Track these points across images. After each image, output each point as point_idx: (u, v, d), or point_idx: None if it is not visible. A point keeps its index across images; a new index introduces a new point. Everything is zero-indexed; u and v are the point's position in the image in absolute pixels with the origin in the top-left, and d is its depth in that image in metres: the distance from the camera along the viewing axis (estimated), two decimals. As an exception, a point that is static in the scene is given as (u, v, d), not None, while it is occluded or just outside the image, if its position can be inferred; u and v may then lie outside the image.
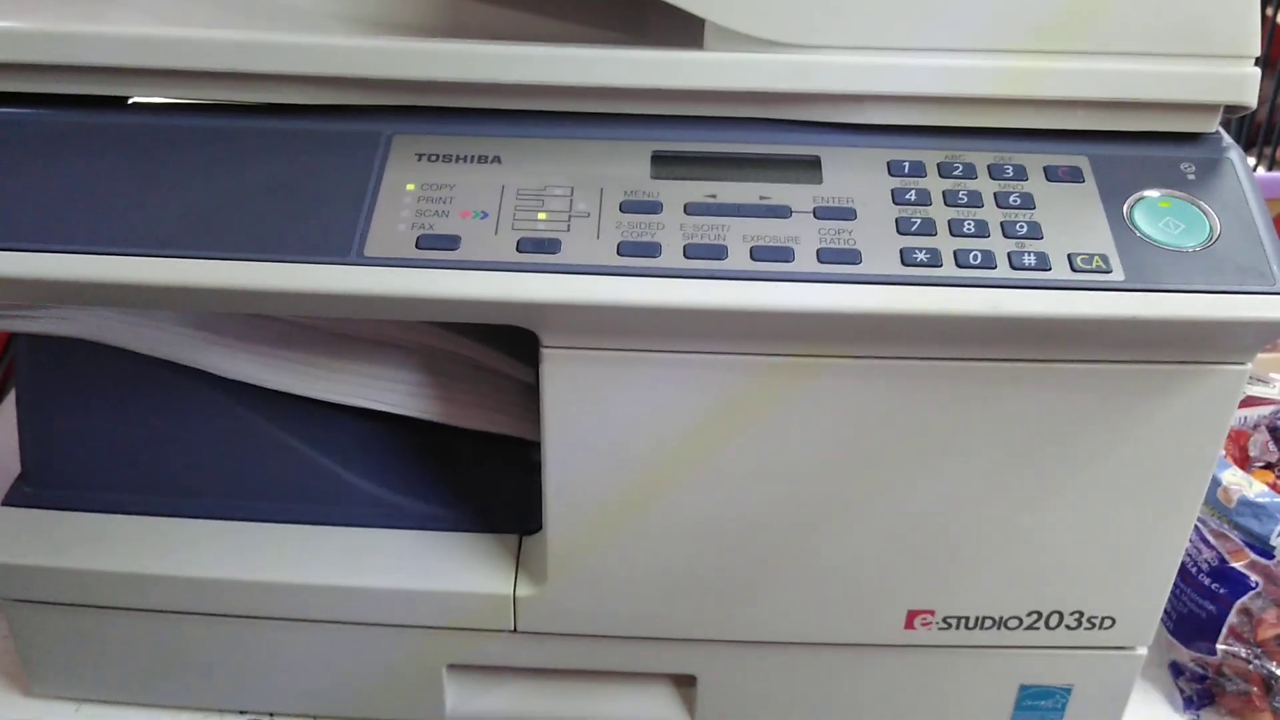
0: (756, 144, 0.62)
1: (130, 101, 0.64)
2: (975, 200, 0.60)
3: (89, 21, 0.62)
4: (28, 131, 0.62)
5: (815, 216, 0.60)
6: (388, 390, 0.74)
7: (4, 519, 0.75)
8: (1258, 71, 0.60)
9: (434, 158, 0.62)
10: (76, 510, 0.75)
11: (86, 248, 0.59)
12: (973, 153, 0.62)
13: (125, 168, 0.61)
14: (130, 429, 0.74)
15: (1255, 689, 0.80)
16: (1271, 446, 0.87)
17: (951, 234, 0.59)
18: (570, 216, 0.60)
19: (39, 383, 0.74)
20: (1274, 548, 0.78)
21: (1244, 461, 0.87)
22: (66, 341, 0.70)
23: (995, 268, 0.58)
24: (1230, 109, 0.62)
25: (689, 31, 0.60)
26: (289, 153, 0.61)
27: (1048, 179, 0.61)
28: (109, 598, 0.74)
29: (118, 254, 0.59)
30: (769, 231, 0.59)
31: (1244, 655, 0.80)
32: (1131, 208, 0.60)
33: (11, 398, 0.76)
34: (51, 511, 0.75)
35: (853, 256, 0.58)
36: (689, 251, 0.58)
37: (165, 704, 0.80)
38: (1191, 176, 0.61)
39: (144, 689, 0.80)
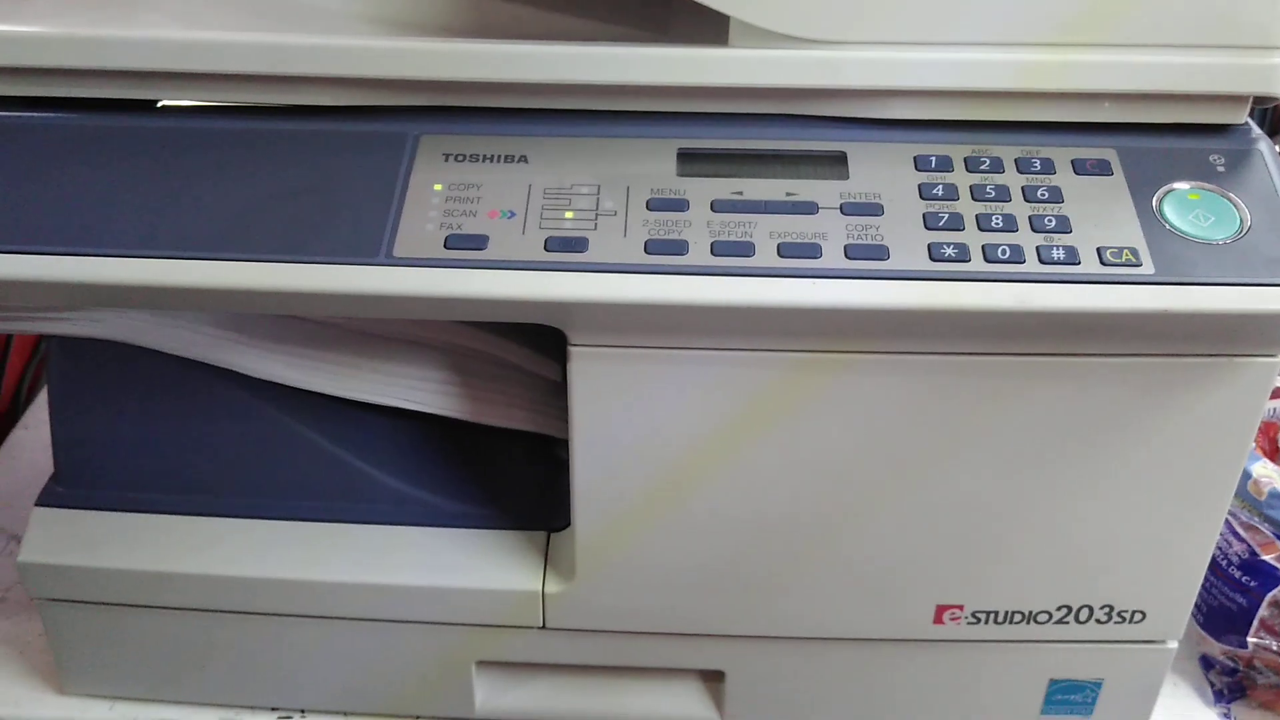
0: (782, 140, 0.62)
1: (159, 105, 0.65)
2: (1003, 195, 0.60)
3: (118, 26, 0.63)
4: (58, 136, 0.63)
5: (842, 212, 0.60)
6: (415, 389, 0.74)
7: (38, 519, 0.75)
8: (1287, 62, 0.60)
9: (461, 158, 0.62)
10: (109, 510, 0.76)
11: (117, 250, 0.59)
12: (1000, 147, 0.62)
13: (154, 171, 0.62)
14: (161, 429, 0.74)
15: (1287, 682, 0.80)
16: (1301, 438, 0.87)
17: (979, 229, 0.59)
18: (597, 215, 0.60)
19: (71, 384, 0.74)
20: (1305, 540, 0.78)
21: (1274, 454, 0.87)
22: (98, 343, 0.70)
23: (1024, 262, 0.58)
24: (1259, 99, 0.62)
25: (714, 28, 0.60)
26: (317, 154, 0.61)
27: (1076, 172, 0.61)
28: (141, 596, 0.75)
29: (148, 256, 0.59)
30: (796, 228, 0.59)
31: (1275, 648, 0.79)
32: (1161, 200, 0.60)
33: (44, 399, 0.77)
34: (84, 511, 0.76)
35: (880, 252, 0.58)
36: (716, 249, 0.58)
37: (197, 701, 0.81)
38: (1221, 168, 0.61)
39: (176, 686, 0.80)
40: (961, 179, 0.61)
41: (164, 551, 0.74)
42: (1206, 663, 0.84)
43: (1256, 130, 0.63)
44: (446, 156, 0.62)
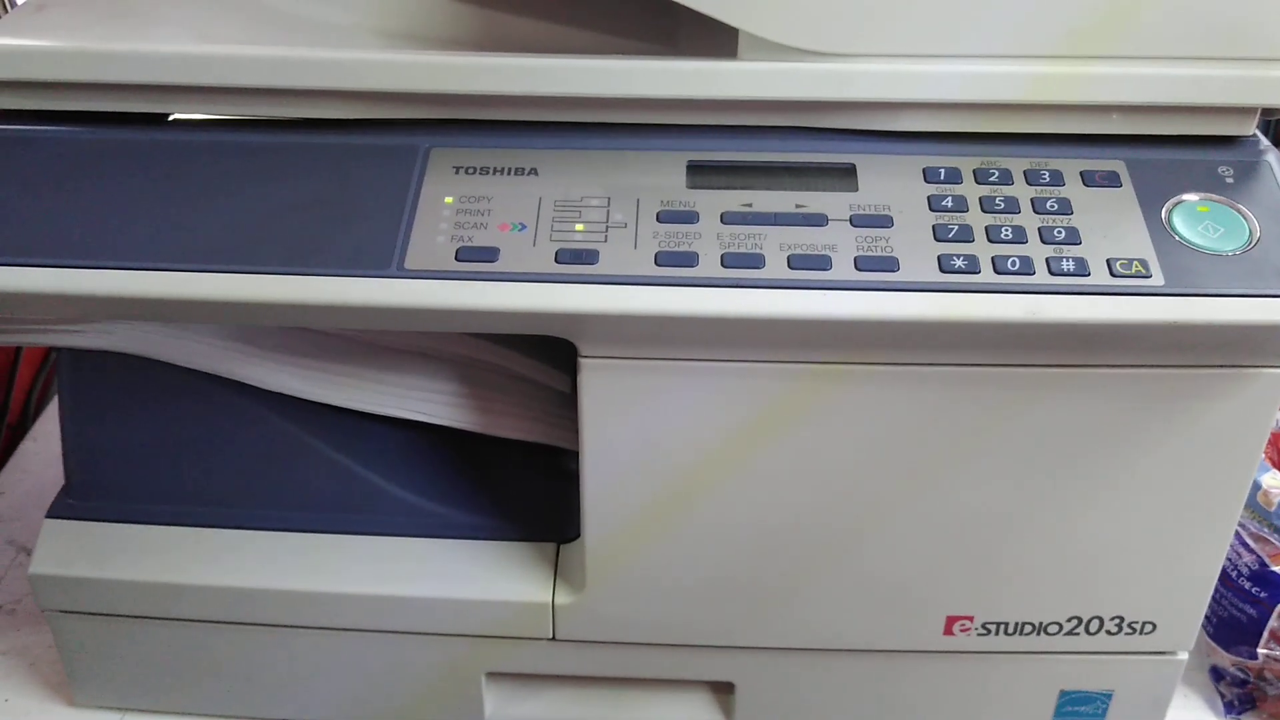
0: (792, 153, 0.63)
1: (171, 118, 0.65)
2: (1012, 206, 0.60)
3: (130, 40, 0.63)
4: (70, 149, 0.63)
5: (852, 224, 0.60)
6: (425, 400, 0.75)
7: (48, 531, 0.76)
8: (1295, 74, 0.60)
9: (471, 170, 0.62)
10: (119, 521, 0.76)
11: (128, 263, 0.60)
12: (1009, 159, 0.62)
13: (166, 184, 0.62)
14: (172, 441, 0.75)
15: (1297, 693, 0.80)
16: (1310, 449, 0.87)
17: (989, 240, 0.59)
18: (607, 227, 0.60)
19: (81, 396, 0.74)
20: (1315, 551, 0.78)
21: (1283, 464, 0.87)
22: (108, 355, 0.71)
23: (1034, 273, 0.58)
24: (1267, 111, 0.62)
25: (722, 41, 0.61)
26: (328, 167, 0.62)
27: (1085, 184, 0.61)
28: (152, 608, 0.75)
29: (159, 269, 0.60)
30: (806, 240, 0.59)
31: (1286, 659, 0.79)
32: (1170, 212, 0.60)
33: (53, 412, 0.77)
34: (95, 523, 0.76)
35: (890, 264, 0.58)
36: (726, 261, 0.59)
37: (207, 712, 0.81)
38: (1230, 180, 0.61)
39: (186, 698, 0.80)
40: (971, 191, 0.61)
41: (174, 563, 0.74)
42: (1217, 674, 0.84)
43: (1265, 142, 0.63)
44: (457, 169, 0.62)
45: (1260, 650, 0.80)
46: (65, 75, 0.62)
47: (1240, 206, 0.60)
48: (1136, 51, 0.60)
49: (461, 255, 0.59)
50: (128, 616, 0.76)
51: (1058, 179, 0.61)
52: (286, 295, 0.59)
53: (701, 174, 0.62)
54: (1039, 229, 0.59)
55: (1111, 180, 0.61)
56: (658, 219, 0.60)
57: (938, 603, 0.71)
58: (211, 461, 0.75)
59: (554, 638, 0.74)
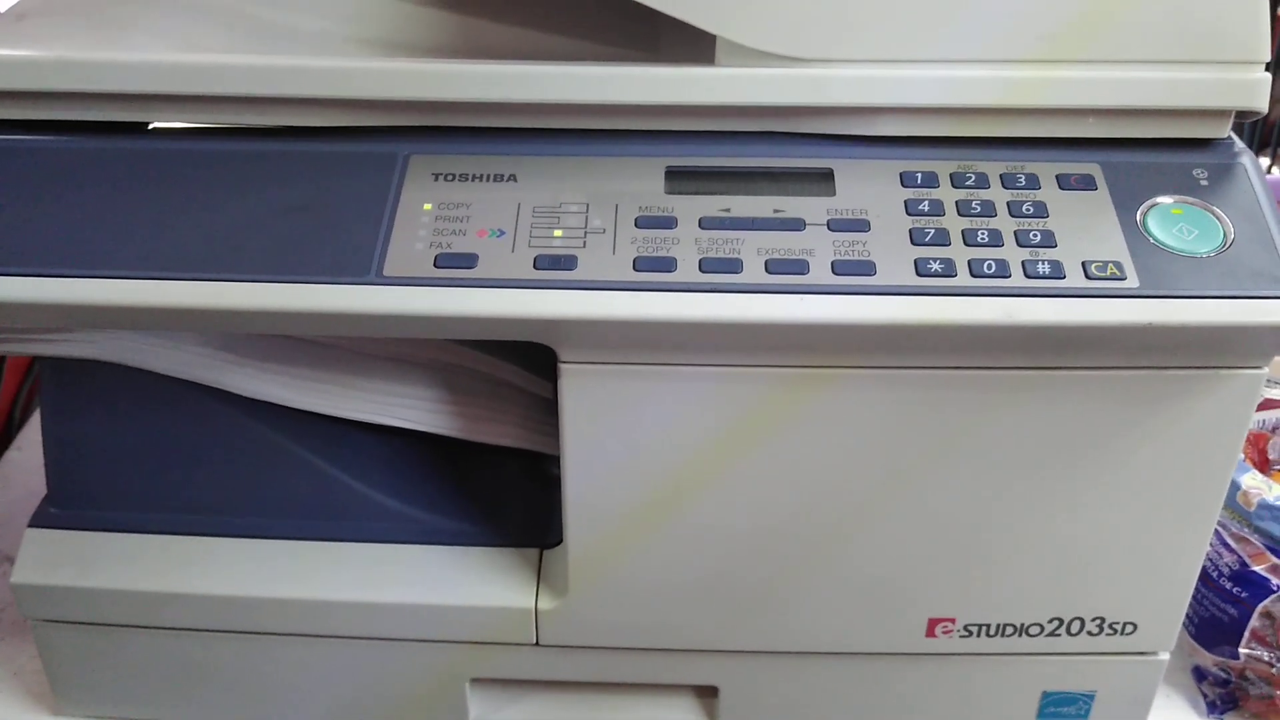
0: (769, 158, 0.63)
1: (150, 127, 0.65)
2: (988, 210, 0.60)
3: (109, 49, 0.63)
4: (50, 158, 0.63)
5: (829, 229, 0.60)
6: (407, 407, 0.75)
7: (30, 540, 0.75)
8: (1269, 76, 0.60)
9: (450, 177, 0.62)
10: (102, 530, 0.76)
11: (109, 272, 0.60)
12: (985, 163, 0.62)
13: (146, 192, 0.62)
14: (154, 449, 0.74)
15: (1279, 692, 0.80)
16: (1291, 449, 0.87)
17: (965, 244, 0.59)
18: (586, 233, 0.60)
19: (64, 405, 0.74)
20: (1295, 550, 0.78)
21: (1264, 464, 0.87)
22: (90, 364, 0.71)
23: (1010, 276, 0.58)
24: (1242, 114, 0.62)
25: (700, 48, 0.61)
26: (307, 174, 0.62)
27: (1060, 187, 0.61)
28: (134, 616, 0.75)
29: (140, 278, 0.60)
30: (783, 244, 0.59)
31: (1267, 659, 0.80)
32: (1145, 215, 0.60)
33: (38, 420, 0.77)
34: (77, 532, 0.76)
35: (867, 268, 0.58)
36: (704, 265, 0.59)
37: (192, 721, 0.81)
38: (1204, 182, 0.61)
39: (170, 706, 0.80)
40: (947, 195, 0.61)
41: (157, 571, 0.74)
42: (1199, 674, 0.84)
43: (1239, 144, 0.63)
44: (436, 176, 0.62)
45: (1242, 650, 0.80)
46: (44, 85, 0.62)
47: (1214, 209, 0.60)
48: (1111, 55, 0.61)
49: (440, 262, 0.59)
50: (111, 625, 0.76)
51: (1034, 182, 0.61)
52: (266, 303, 0.59)
53: (680, 179, 0.62)
54: (1015, 232, 0.60)
55: (1087, 183, 0.61)
56: (636, 224, 0.60)
57: (919, 605, 0.72)
58: (194, 469, 0.75)
59: (538, 643, 0.74)
